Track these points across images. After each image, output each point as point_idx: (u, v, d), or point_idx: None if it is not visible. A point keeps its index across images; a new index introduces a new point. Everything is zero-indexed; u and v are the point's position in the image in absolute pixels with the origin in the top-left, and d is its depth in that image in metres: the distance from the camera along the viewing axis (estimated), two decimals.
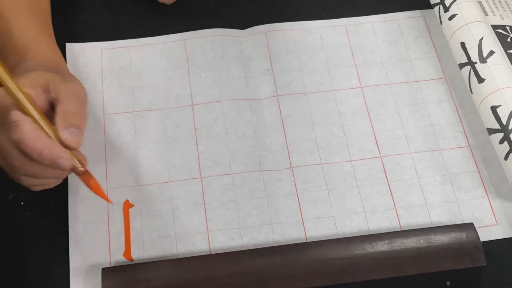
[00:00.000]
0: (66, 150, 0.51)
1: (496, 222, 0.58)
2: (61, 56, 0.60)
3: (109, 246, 0.56)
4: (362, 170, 0.61)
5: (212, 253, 0.56)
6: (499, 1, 0.68)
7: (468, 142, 0.62)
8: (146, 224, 0.57)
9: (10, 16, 0.58)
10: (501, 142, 0.58)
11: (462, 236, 0.55)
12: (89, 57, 0.66)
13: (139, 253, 0.56)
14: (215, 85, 0.65)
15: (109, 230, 0.57)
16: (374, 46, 0.68)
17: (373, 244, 0.55)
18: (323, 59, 0.67)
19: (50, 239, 0.57)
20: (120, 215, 0.58)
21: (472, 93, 0.62)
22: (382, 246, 0.55)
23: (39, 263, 0.56)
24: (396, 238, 0.55)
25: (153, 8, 0.70)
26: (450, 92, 0.65)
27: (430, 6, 0.69)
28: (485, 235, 0.57)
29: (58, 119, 0.51)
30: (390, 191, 0.60)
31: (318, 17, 0.70)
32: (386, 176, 0.60)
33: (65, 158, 0.51)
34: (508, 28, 0.66)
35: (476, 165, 0.61)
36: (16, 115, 0.50)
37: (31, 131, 0.49)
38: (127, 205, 0.58)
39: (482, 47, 0.62)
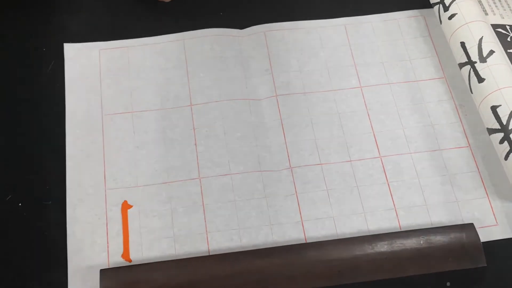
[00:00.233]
0: None
1: (497, 223, 0.58)
2: None
3: (108, 247, 0.56)
4: (362, 171, 0.60)
5: (211, 254, 0.56)
6: (499, 0, 0.68)
7: (468, 142, 0.62)
8: (145, 225, 0.57)
9: None
10: (501, 142, 0.58)
11: (462, 236, 0.55)
12: (87, 57, 0.66)
13: (137, 254, 0.56)
14: (214, 85, 0.65)
15: (108, 231, 0.57)
16: (374, 45, 0.68)
17: (373, 244, 0.55)
18: (323, 59, 0.67)
19: (48, 240, 0.56)
20: (118, 216, 0.58)
21: (472, 92, 0.62)
22: (382, 247, 0.55)
23: (37, 264, 0.55)
24: (396, 239, 0.55)
25: (152, 8, 0.70)
26: (450, 92, 0.65)
27: (430, 6, 0.69)
28: (485, 236, 0.57)
29: None
30: (390, 192, 0.59)
31: (317, 16, 0.70)
32: (386, 176, 0.60)
33: None
34: (508, 27, 0.66)
35: (476, 165, 0.61)
36: None
37: None
38: (126, 206, 0.58)
39: (482, 47, 0.62)
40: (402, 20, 0.70)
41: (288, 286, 0.53)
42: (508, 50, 0.64)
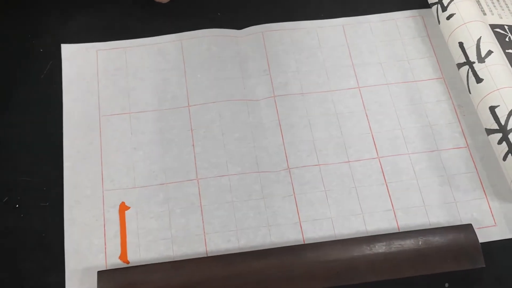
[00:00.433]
0: None
1: (495, 223, 0.58)
2: None
3: (105, 248, 0.56)
4: (360, 171, 0.60)
5: (208, 255, 0.56)
6: (497, 0, 0.68)
7: (466, 142, 0.62)
8: (142, 227, 0.57)
9: None
10: (499, 142, 0.58)
11: (460, 237, 0.55)
12: (85, 58, 0.66)
13: (135, 256, 0.56)
14: (211, 86, 0.65)
15: (105, 233, 0.57)
16: (372, 46, 0.68)
17: (371, 245, 0.55)
18: (321, 59, 0.67)
19: (45, 242, 0.56)
20: (116, 217, 0.57)
21: (470, 93, 0.62)
22: (380, 248, 0.55)
23: (34, 266, 0.55)
24: (394, 240, 0.55)
25: (149, 8, 0.69)
26: (448, 92, 0.65)
27: (428, 6, 0.69)
28: (484, 236, 0.57)
29: None
30: (388, 192, 0.59)
31: (315, 17, 0.70)
32: (384, 177, 0.60)
33: None
34: (506, 27, 0.66)
35: (475, 165, 0.61)
36: None
37: None
38: (123, 207, 0.58)
39: (480, 47, 0.62)
40: (400, 20, 0.70)
41: (286, 287, 0.53)
42: (507, 50, 0.63)
